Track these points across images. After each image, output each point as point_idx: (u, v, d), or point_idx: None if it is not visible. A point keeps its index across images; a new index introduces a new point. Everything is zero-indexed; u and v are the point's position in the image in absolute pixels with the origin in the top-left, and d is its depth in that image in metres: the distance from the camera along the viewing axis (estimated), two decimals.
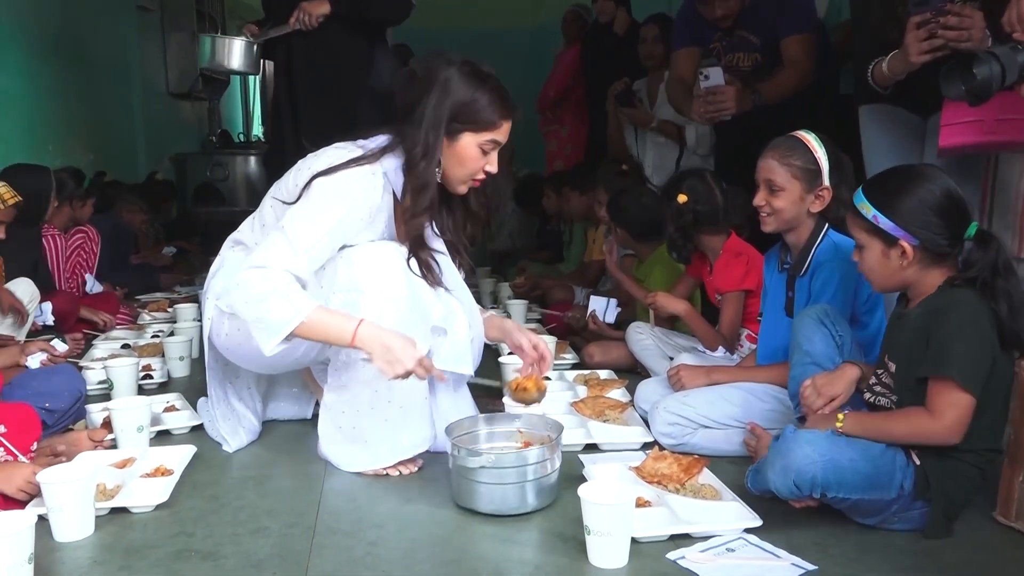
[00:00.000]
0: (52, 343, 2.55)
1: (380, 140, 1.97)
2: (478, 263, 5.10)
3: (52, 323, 3.10)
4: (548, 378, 2.67)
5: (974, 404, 1.54)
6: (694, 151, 3.80)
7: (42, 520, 1.62)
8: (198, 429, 2.29)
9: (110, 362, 2.57)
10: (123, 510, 1.76)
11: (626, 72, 4.18)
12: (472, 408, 2.15)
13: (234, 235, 2.14)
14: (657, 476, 1.83)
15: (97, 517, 1.70)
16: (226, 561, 1.57)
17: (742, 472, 1.88)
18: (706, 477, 1.84)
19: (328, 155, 1.95)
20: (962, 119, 2.08)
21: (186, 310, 3.43)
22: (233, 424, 2.17)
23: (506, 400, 2.17)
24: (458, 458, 1.75)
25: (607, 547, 1.50)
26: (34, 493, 1.71)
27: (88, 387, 2.55)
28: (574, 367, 2.89)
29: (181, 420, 2.33)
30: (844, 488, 1.55)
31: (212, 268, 2.13)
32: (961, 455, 1.59)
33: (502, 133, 1.93)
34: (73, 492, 1.64)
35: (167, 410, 2.42)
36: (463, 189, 2.00)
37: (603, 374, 2.70)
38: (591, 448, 2.11)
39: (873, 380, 1.75)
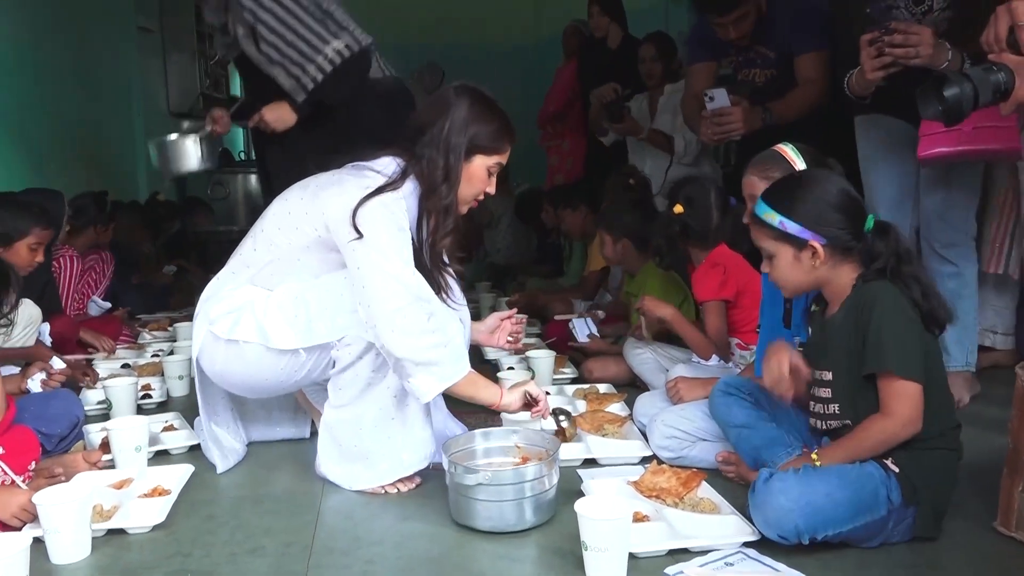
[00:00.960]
0: (50, 361, 2.55)
1: (388, 162, 1.97)
2: (478, 278, 5.13)
3: (48, 344, 3.09)
4: (548, 393, 2.68)
5: (922, 390, 1.57)
6: (679, 160, 3.82)
7: (38, 542, 1.61)
8: (196, 449, 2.29)
9: (109, 382, 2.57)
10: (120, 531, 1.75)
11: (621, 86, 4.19)
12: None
13: (237, 258, 2.08)
14: (655, 490, 1.82)
15: (94, 538, 1.69)
16: None
17: (740, 486, 1.88)
18: (705, 491, 1.83)
19: (346, 183, 1.92)
20: (940, 128, 2.11)
21: (186, 329, 3.43)
22: (219, 446, 2.16)
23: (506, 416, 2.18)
24: (455, 475, 1.74)
25: (605, 563, 1.49)
26: (29, 520, 1.70)
27: (87, 407, 2.57)
28: (573, 381, 2.88)
29: (179, 440, 2.33)
30: (832, 524, 1.54)
31: (207, 292, 2.10)
32: (931, 442, 1.60)
33: (506, 156, 2.03)
34: (69, 513, 1.63)
35: (165, 429, 2.42)
36: (465, 209, 2.05)
37: (602, 388, 2.70)
38: (590, 463, 2.10)
39: (812, 400, 1.76)
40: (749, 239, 1.81)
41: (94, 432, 2.31)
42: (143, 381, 2.83)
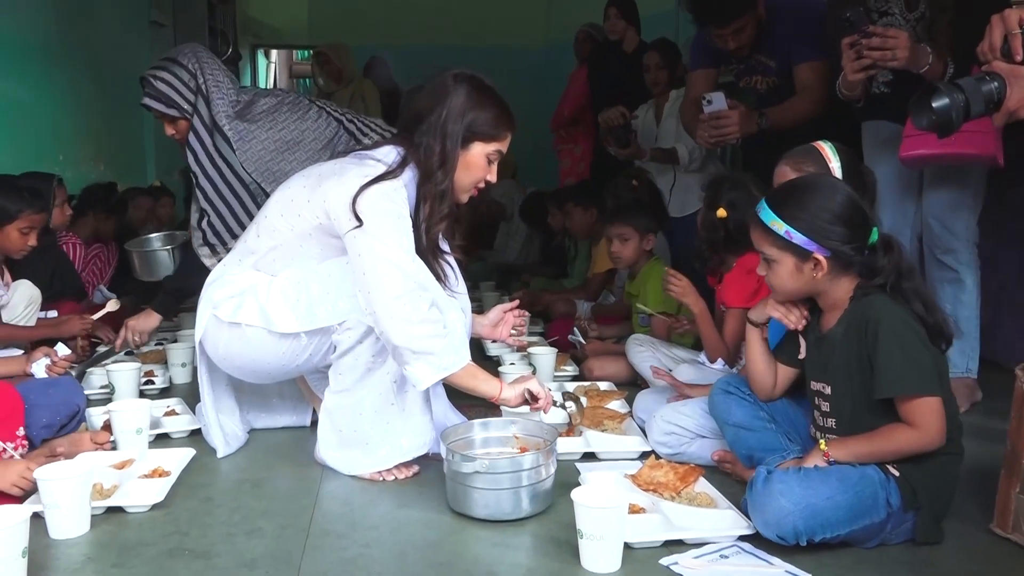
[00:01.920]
0: (54, 348, 2.56)
1: (388, 151, 1.99)
2: (483, 277, 5.14)
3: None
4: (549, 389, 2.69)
5: (942, 402, 1.57)
6: (686, 168, 3.83)
7: (38, 517, 1.62)
8: (197, 433, 2.30)
9: (112, 366, 2.59)
10: (119, 509, 1.77)
11: (632, 91, 4.21)
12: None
13: (241, 244, 2.12)
14: (653, 484, 1.82)
15: (93, 516, 1.70)
16: (219, 560, 1.58)
17: (738, 482, 1.88)
18: (702, 486, 1.83)
19: (348, 172, 1.93)
20: (921, 131, 2.14)
21: (189, 318, 3.43)
22: (221, 432, 2.17)
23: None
24: (452, 463, 1.75)
25: (600, 551, 1.50)
26: (28, 488, 1.71)
27: (90, 391, 2.58)
28: (574, 379, 2.89)
29: (180, 424, 2.34)
30: (830, 527, 1.54)
31: (211, 276, 2.13)
32: (933, 450, 1.59)
33: (506, 144, 2.03)
34: (69, 489, 1.64)
35: (167, 415, 2.43)
36: (465, 198, 2.06)
37: (603, 385, 2.70)
38: (589, 457, 2.10)
39: (813, 411, 1.77)
40: None
41: (96, 415, 2.33)
42: (146, 368, 2.84)
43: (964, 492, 1.77)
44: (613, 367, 2.86)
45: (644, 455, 2.07)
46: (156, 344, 3.36)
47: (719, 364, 2.50)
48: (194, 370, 2.92)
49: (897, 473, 1.60)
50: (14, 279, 2.92)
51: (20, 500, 1.73)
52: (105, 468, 1.92)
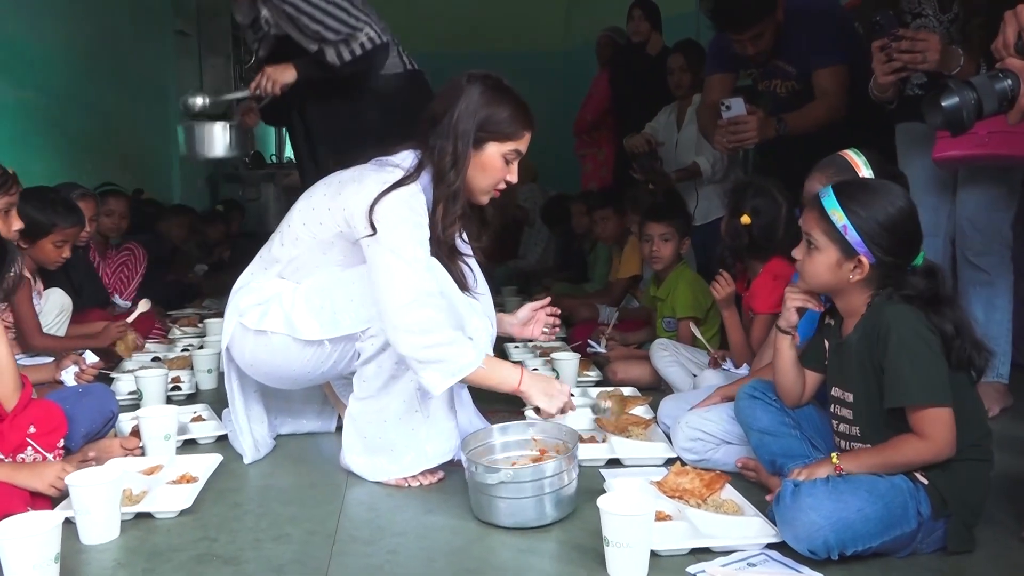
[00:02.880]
0: (83, 355, 2.59)
1: (407, 156, 2.00)
2: (505, 282, 5.14)
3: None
4: (571, 394, 2.68)
5: (952, 413, 1.54)
6: (709, 180, 3.80)
7: (69, 522, 1.65)
8: (224, 439, 2.32)
9: (139, 373, 2.62)
10: (148, 515, 1.78)
11: (656, 95, 4.21)
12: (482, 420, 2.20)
13: (266, 253, 2.14)
14: (679, 491, 1.81)
15: (122, 521, 1.72)
16: (247, 566, 1.59)
17: (765, 489, 1.87)
18: (728, 493, 1.82)
19: (368, 179, 1.95)
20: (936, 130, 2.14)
21: (215, 324, 3.47)
22: (247, 437, 2.19)
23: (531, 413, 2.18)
24: (475, 474, 1.75)
25: (626, 559, 1.49)
26: (63, 489, 1.74)
27: (118, 397, 2.60)
28: (597, 384, 2.88)
29: (207, 430, 2.37)
30: (861, 540, 1.52)
31: (238, 283, 2.15)
32: (961, 454, 1.57)
33: (524, 143, 1.99)
34: (100, 496, 1.67)
35: (194, 420, 2.45)
36: (485, 199, 2.05)
37: (626, 391, 2.69)
38: (614, 463, 2.10)
39: (835, 419, 1.75)
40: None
41: (125, 421, 2.35)
42: (173, 374, 2.87)
43: (996, 499, 1.75)
44: (637, 371, 2.85)
45: (669, 461, 2.06)
46: (182, 350, 3.39)
47: (743, 370, 2.49)
48: (220, 376, 2.96)
49: (926, 481, 1.58)
50: (45, 287, 2.96)
51: (53, 502, 1.75)
52: (134, 474, 1.94)
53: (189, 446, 2.29)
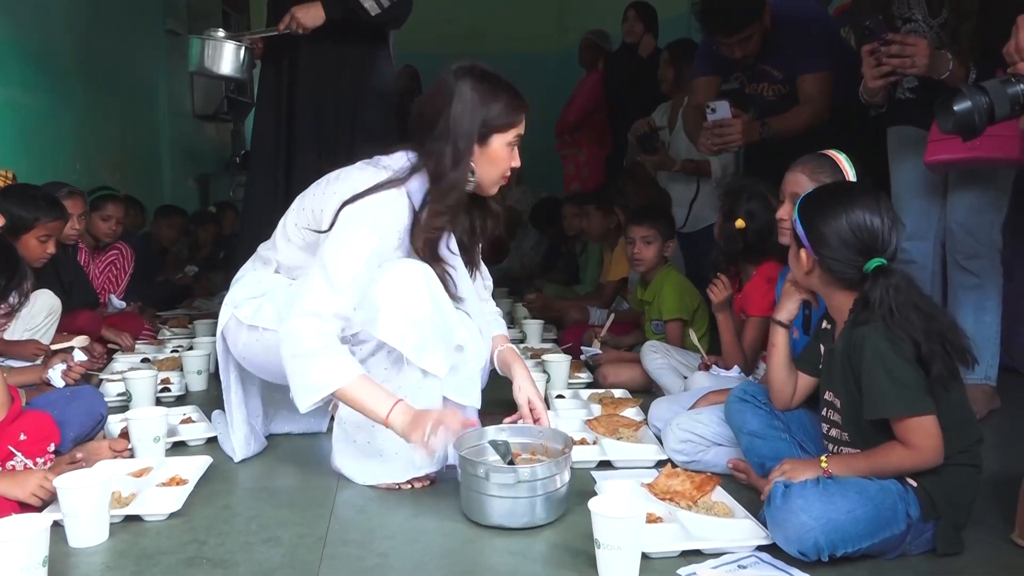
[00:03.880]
0: (71, 354, 2.58)
1: (401, 158, 1.98)
2: (495, 284, 5.11)
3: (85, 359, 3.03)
4: (562, 396, 2.69)
5: (936, 419, 1.55)
6: (717, 184, 3.80)
7: (57, 526, 1.64)
8: (213, 441, 2.31)
9: (128, 374, 2.60)
10: (137, 518, 1.77)
11: (647, 96, 4.21)
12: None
13: (263, 251, 2.16)
14: (669, 493, 1.82)
15: (111, 524, 1.71)
16: (237, 569, 1.58)
17: (755, 490, 1.87)
18: (718, 495, 1.82)
19: (353, 176, 1.95)
20: (943, 135, 2.14)
21: (205, 326, 3.47)
22: (240, 431, 2.18)
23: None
24: (467, 472, 1.75)
25: (617, 561, 1.49)
26: (46, 498, 1.73)
27: (107, 399, 2.58)
28: (588, 386, 2.88)
29: (197, 432, 2.35)
30: (851, 542, 1.53)
31: (238, 275, 2.16)
32: (952, 458, 1.58)
33: (523, 124, 1.99)
34: (88, 498, 1.65)
35: (184, 422, 2.44)
36: (495, 190, 2.04)
37: (617, 393, 2.70)
38: (604, 465, 2.10)
39: (823, 422, 1.76)
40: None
41: (113, 423, 2.34)
42: (163, 375, 2.86)
43: (985, 501, 1.76)
44: (627, 374, 2.86)
45: (660, 463, 2.07)
46: (172, 351, 3.38)
47: (734, 372, 2.50)
48: (210, 377, 2.96)
49: (915, 484, 1.59)
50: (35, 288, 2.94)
51: (39, 509, 1.74)
52: (123, 476, 1.93)
53: (178, 448, 2.28)
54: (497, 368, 2.19)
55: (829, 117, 2.96)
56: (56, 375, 2.43)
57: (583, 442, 2.22)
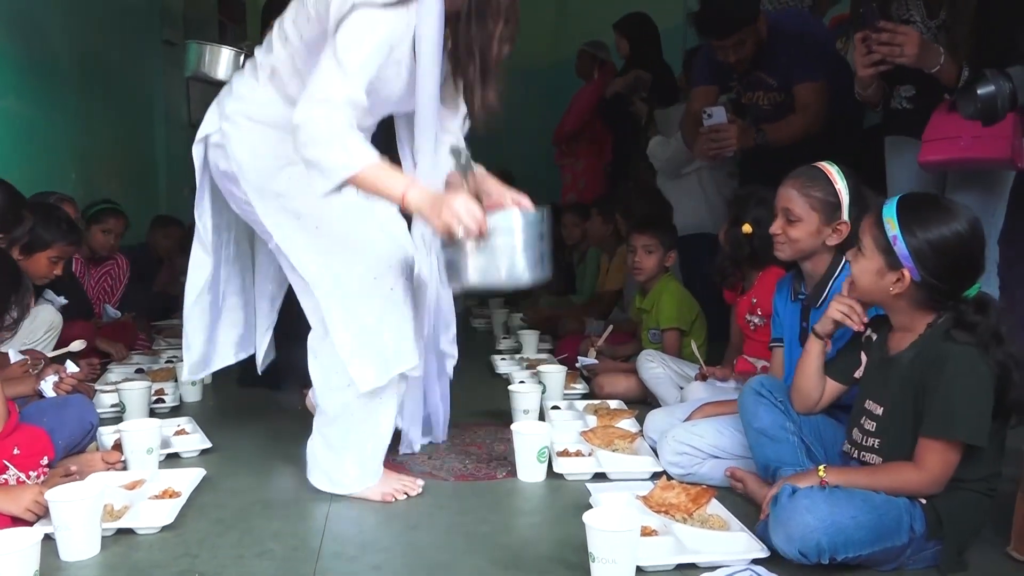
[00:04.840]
0: (64, 364, 2.56)
1: None
2: (492, 293, 5.12)
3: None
4: (557, 407, 2.68)
5: (961, 453, 1.54)
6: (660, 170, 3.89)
7: (49, 539, 1.63)
8: (207, 453, 2.31)
9: (122, 385, 2.59)
10: (129, 531, 1.76)
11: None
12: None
13: (258, 55, 2.04)
14: (664, 505, 1.81)
15: (103, 537, 1.70)
16: None
17: (751, 503, 1.87)
18: (714, 507, 1.82)
19: None
20: (941, 135, 2.18)
21: None
22: (198, 336, 2.16)
23: None
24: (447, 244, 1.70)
25: (612, 575, 1.49)
26: (41, 513, 1.71)
27: (101, 410, 2.58)
28: (584, 397, 2.88)
29: (191, 444, 2.34)
30: (852, 547, 1.52)
31: (226, 88, 2.09)
32: (968, 484, 1.57)
33: None
34: (80, 511, 1.64)
35: (178, 433, 2.43)
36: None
37: (613, 404, 2.69)
38: (600, 477, 2.09)
39: (855, 428, 1.74)
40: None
41: (107, 434, 2.33)
42: (156, 386, 2.85)
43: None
44: (623, 385, 2.85)
45: (656, 475, 2.06)
46: (166, 362, 3.37)
47: (731, 383, 2.49)
48: (204, 388, 2.95)
49: (924, 500, 1.58)
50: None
51: (32, 524, 1.72)
52: (116, 489, 1.92)
53: (172, 460, 2.27)
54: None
55: (825, 127, 2.98)
56: (48, 386, 2.42)
57: (579, 454, 2.21)
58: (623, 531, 1.49)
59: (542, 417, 2.53)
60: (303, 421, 2.11)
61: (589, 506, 1.86)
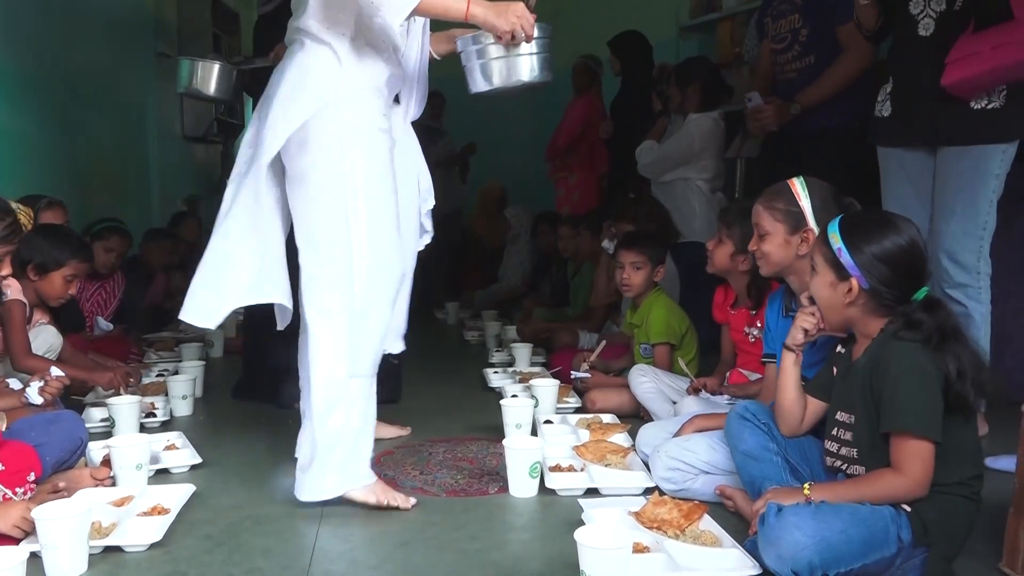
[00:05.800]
0: (48, 370, 2.54)
1: None
2: (485, 306, 5.12)
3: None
4: (550, 422, 2.67)
5: (934, 449, 1.55)
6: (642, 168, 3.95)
7: (35, 557, 1.61)
8: (197, 468, 2.29)
9: (112, 400, 2.57)
10: (117, 549, 1.75)
11: (637, 117, 4.32)
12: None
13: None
14: (656, 521, 1.80)
15: (91, 555, 1.68)
16: None
17: (743, 519, 1.86)
18: (706, 523, 1.81)
19: None
20: (962, 54, 2.25)
21: (192, 349, 3.44)
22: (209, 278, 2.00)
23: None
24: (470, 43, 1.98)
25: None
26: (29, 529, 1.70)
27: (90, 425, 2.56)
28: (576, 411, 2.87)
29: (181, 459, 2.33)
30: (843, 561, 1.52)
31: None
32: (949, 488, 1.57)
33: None
34: (67, 529, 1.62)
35: (167, 449, 2.41)
36: None
37: (605, 418, 2.68)
38: (592, 492, 2.08)
39: (829, 441, 1.75)
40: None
41: (96, 450, 2.31)
42: (147, 400, 2.83)
43: (975, 530, 1.74)
44: (616, 399, 2.84)
45: (648, 491, 2.05)
46: (157, 375, 3.35)
47: (725, 398, 2.49)
48: (195, 402, 2.94)
49: (908, 508, 1.58)
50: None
51: (19, 542, 1.71)
52: (104, 505, 1.90)
53: (162, 475, 2.25)
54: (436, 53, 2.28)
55: (834, 133, 3.02)
56: (33, 392, 2.39)
57: (571, 469, 2.21)
58: (614, 549, 1.48)
59: (535, 431, 2.53)
60: (294, 436, 2.10)
61: (581, 522, 1.85)
